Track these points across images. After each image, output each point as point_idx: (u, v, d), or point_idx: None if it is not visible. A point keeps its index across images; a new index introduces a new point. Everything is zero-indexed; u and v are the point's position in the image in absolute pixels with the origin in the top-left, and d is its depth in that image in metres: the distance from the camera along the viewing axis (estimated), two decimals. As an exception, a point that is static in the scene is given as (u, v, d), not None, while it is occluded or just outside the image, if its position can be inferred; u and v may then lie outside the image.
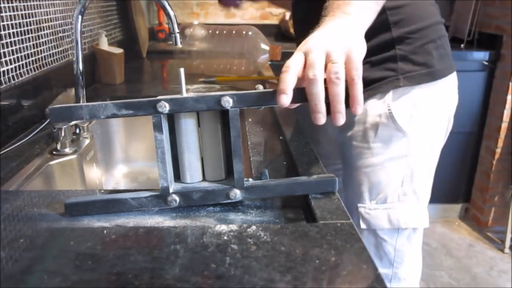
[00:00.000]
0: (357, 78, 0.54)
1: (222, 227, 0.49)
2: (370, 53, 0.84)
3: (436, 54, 0.89)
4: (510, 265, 2.07)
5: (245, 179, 0.55)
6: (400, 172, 0.91)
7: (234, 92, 0.52)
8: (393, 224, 0.92)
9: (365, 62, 0.83)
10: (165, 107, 0.51)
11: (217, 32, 1.52)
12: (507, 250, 2.17)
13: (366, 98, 0.87)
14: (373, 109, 0.89)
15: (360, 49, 0.58)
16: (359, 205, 0.94)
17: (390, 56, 0.87)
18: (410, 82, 0.87)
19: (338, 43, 0.56)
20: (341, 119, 0.54)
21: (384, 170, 0.91)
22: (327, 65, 0.54)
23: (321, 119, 0.53)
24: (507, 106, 2.15)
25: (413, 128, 0.89)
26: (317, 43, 0.56)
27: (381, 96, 0.88)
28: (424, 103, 0.89)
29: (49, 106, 0.99)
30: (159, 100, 0.51)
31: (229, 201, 0.55)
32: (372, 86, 0.88)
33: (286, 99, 0.52)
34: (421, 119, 0.89)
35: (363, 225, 0.94)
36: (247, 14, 2.57)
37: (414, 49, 0.87)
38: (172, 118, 0.55)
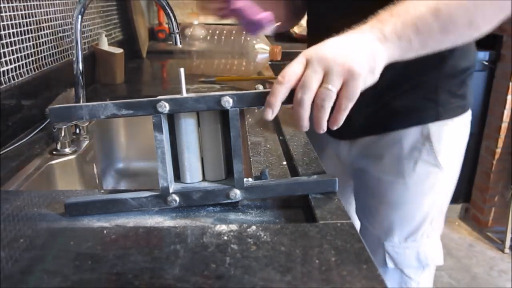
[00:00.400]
0: (344, 107, 0.52)
1: (222, 227, 0.49)
2: (409, 78, 0.78)
3: (470, 84, 0.85)
4: (510, 265, 2.07)
5: (245, 179, 0.55)
6: (433, 208, 0.86)
7: (234, 92, 0.52)
8: (422, 262, 0.87)
9: (405, 87, 0.80)
10: (165, 107, 0.51)
11: (217, 32, 1.52)
12: (507, 250, 2.17)
13: (402, 128, 0.82)
14: (411, 142, 0.82)
15: (365, 80, 0.53)
16: (386, 243, 0.87)
17: (432, 86, 0.80)
18: (449, 115, 0.82)
19: (344, 64, 0.51)
20: (320, 131, 0.53)
21: (419, 207, 0.85)
22: (320, 87, 0.51)
23: (304, 129, 0.54)
24: (507, 106, 2.15)
25: (448, 163, 0.84)
26: (321, 56, 0.51)
27: (420, 128, 0.81)
28: (457, 136, 0.85)
29: (49, 106, 0.99)
30: (159, 100, 0.51)
31: (229, 201, 0.55)
32: (411, 116, 0.81)
33: (271, 115, 0.52)
34: (454, 153, 0.85)
35: (390, 264, 0.87)
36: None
37: (458, 82, 0.82)
38: (172, 118, 0.55)
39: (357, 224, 0.96)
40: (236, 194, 0.55)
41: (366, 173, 0.89)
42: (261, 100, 0.53)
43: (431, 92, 0.80)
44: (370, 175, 0.88)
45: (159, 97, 0.52)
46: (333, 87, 0.51)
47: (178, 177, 0.57)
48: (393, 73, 0.67)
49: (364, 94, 0.67)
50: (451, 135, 0.83)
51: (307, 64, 0.52)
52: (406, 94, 0.81)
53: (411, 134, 0.82)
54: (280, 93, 0.51)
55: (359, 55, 0.52)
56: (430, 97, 0.80)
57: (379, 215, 0.88)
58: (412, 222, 0.86)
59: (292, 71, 0.52)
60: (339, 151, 0.93)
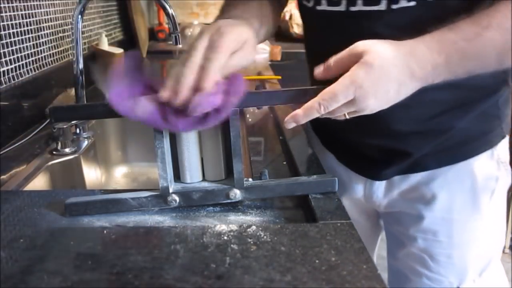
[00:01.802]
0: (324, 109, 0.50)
1: (222, 227, 0.49)
2: (474, 96, 0.67)
3: None
4: (510, 265, 2.07)
5: (245, 179, 0.55)
6: (500, 238, 0.78)
7: None
8: None
9: (470, 108, 0.68)
10: None
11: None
12: (507, 250, 2.17)
13: (474, 155, 0.70)
14: (485, 170, 0.71)
15: (378, 109, 0.52)
16: (461, 287, 0.76)
17: (494, 99, 0.70)
18: (507, 128, 0.72)
19: (372, 111, 0.51)
20: (289, 122, 0.52)
21: (495, 236, 0.76)
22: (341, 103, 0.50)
23: (290, 125, 0.53)
24: None
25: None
26: (366, 100, 0.50)
27: (490, 152, 0.71)
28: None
29: (49, 106, 0.99)
30: None
31: (229, 201, 0.55)
32: (481, 140, 0.70)
33: (291, 127, 0.52)
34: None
35: None
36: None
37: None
38: None
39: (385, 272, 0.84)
40: (236, 194, 0.55)
41: (414, 217, 0.75)
42: (261, 100, 0.53)
43: (494, 107, 0.70)
44: (425, 219, 0.73)
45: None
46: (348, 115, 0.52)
47: (178, 177, 0.57)
48: (457, 93, 0.64)
49: (425, 124, 0.64)
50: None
51: (351, 100, 0.50)
52: (473, 115, 0.68)
53: (483, 161, 0.70)
54: (313, 117, 0.51)
55: (393, 102, 0.52)
56: (495, 113, 0.70)
57: (449, 261, 0.75)
58: (487, 254, 0.76)
59: (335, 102, 0.50)
60: (370, 194, 0.78)
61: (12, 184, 0.69)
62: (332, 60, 0.52)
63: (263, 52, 1.52)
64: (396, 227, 0.80)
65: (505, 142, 0.72)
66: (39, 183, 0.76)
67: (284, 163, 0.71)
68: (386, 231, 0.87)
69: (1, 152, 0.79)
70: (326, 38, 0.68)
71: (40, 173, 0.77)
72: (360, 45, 0.50)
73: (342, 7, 0.62)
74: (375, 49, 0.50)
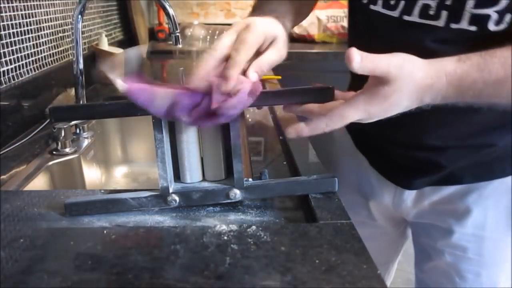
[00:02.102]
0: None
1: (222, 227, 0.49)
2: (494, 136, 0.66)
3: None
4: (510, 265, 2.07)
5: (245, 179, 0.55)
6: None
7: None
8: None
9: (509, 130, 0.66)
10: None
11: (217, 32, 1.52)
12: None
13: (511, 173, 0.68)
14: None
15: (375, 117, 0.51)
16: None
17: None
18: None
19: (379, 112, 0.50)
20: (292, 134, 0.51)
21: None
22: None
23: (292, 136, 0.52)
24: None
25: None
26: (372, 119, 0.50)
27: None
28: None
29: (49, 106, 0.99)
30: None
31: (229, 201, 0.55)
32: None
33: (292, 137, 0.51)
34: None
35: None
36: (247, 14, 2.56)
37: None
38: (173, 122, 0.55)
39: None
40: (236, 194, 0.55)
41: (443, 231, 0.73)
42: (261, 100, 0.53)
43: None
44: (455, 234, 0.72)
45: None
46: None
47: (178, 177, 0.57)
48: (503, 115, 0.62)
49: (465, 141, 0.61)
50: None
51: (361, 119, 0.50)
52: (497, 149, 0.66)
53: None
54: (319, 132, 0.50)
55: (409, 99, 0.50)
56: None
57: (477, 279, 0.73)
58: None
59: (342, 124, 0.50)
60: (399, 202, 0.76)
61: (12, 184, 0.69)
62: (375, 64, 0.48)
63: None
64: (423, 239, 0.79)
65: None
66: (39, 183, 0.76)
67: (284, 163, 0.71)
68: (413, 241, 0.84)
69: (1, 152, 0.79)
70: (370, 39, 0.65)
71: (40, 173, 0.77)
72: (395, 69, 0.47)
73: (395, 13, 0.60)
74: (399, 81, 0.48)
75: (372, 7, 0.63)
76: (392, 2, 0.61)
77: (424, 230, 0.77)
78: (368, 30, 0.67)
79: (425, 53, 0.50)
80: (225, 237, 0.47)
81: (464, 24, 0.55)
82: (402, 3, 0.59)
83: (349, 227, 0.49)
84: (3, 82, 0.88)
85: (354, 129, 0.81)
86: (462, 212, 0.70)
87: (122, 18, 1.79)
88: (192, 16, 2.54)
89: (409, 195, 0.74)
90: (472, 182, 0.68)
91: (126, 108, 0.52)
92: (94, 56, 1.36)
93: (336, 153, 0.89)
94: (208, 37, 2.11)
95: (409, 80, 0.48)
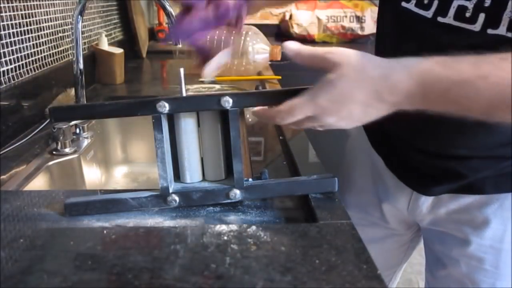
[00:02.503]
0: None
1: (222, 227, 0.49)
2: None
3: None
4: (510, 265, 2.07)
5: (245, 179, 0.55)
6: None
7: (234, 92, 0.52)
8: None
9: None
10: (164, 107, 0.51)
11: (217, 32, 1.52)
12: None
13: None
14: None
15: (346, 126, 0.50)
16: None
17: None
18: None
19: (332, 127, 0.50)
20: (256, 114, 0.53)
21: None
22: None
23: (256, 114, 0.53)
24: None
25: None
26: (326, 120, 0.49)
27: None
28: None
29: (49, 106, 0.99)
30: (159, 100, 0.51)
31: (229, 201, 0.55)
32: None
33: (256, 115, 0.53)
34: None
35: None
36: (247, 14, 2.56)
37: None
38: (172, 118, 0.55)
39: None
40: (236, 194, 0.55)
41: (459, 241, 0.71)
42: (261, 100, 0.53)
43: None
44: (472, 244, 0.69)
45: (159, 96, 0.52)
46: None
47: (178, 176, 0.57)
48: None
49: (489, 151, 0.59)
50: None
51: (308, 117, 0.49)
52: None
53: None
54: (274, 123, 0.52)
55: (362, 122, 0.50)
56: None
57: None
58: None
59: (292, 116, 0.49)
60: (414, 207, 0.74)
61: (12, 184, 0.69)
62: (308, 52, 0.50)
63: (263, 52, 1.52)
64: (438, 246, 0.76)
65: None
66: (39, 183, 0.76)
67: (284, 163, 0.71)
68: (426, 246, 0.82)
69: (1, 152, 0.79)
70: (399, 40, 0.64)
71: (40, 173, 0.77)
72: (336, 55, 0.47)
73: (429, 14, 0.57)
74: (344, 67, 0.47)
75: (404, 4, 0.61)
76: (425, 1, 0.58)
77: (439, 237, 0.75)
78: (398, 30, 0.65)
79: None
80: (225, 237, 0.47)
81: (502, 30, 0.51)
82: (436, 3, 0.57)
83: (349, 227, 0.49)
84: (3, 82, 0.87)
85: (371, 127, 0.77)
86: (481, 223, 0.68)
87: (122, 18, 1.79)
88: (192, 16, 2.54)
89: (426, 201, 0.72)
90: (493, 193, 0.66)
91: (126, 108, 0.52)
92: (94, 56, 1.36)
93: (350, 151, 0.87)
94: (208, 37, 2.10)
95: (357, 67, 0.47)
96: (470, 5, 0.54)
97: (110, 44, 1.43)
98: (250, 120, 0.94)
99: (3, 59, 0.88)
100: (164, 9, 0.92)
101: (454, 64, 0.45)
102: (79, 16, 0.89)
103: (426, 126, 0.50)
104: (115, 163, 1.16)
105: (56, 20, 1.13)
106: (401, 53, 0.47)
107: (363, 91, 0.47)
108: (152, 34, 2.16)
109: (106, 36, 1.38)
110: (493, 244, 0.68)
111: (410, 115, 0.48)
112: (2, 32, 0.88)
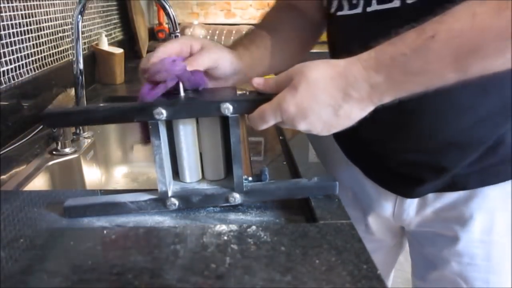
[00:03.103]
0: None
1: (222, 227, 0.49)
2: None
3: None
4: (510, 265, 2.06)
5: (245, 177, 0.54)
6: None
7: (234, 98, 0.51)
8: None
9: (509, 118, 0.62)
10: (162, 114, 0.50)
11: (217, 32, 1.52)
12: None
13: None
14: None
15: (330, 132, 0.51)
16: None
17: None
18: None
19: (308, 130, 0.50)
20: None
21: None
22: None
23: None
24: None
25: None
26: (294, 119, 0.49)
27: None
28: None
29: (45, 110, 0.99)
30: (156, 106, 0.50)
31: (228, 204, 0.55)
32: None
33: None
34: None
35: None
36: (247, 14, 2.56)
37: None
38: (170, 121, 0.54)
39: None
40: (236, 198, 0.54)
41: (448, 239, 0.71)
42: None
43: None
44: (461, 241, 0.69)
45: (156, 101, 0.51)
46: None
47: (177, 173, 0.57)
48: (497, 97, 0.58)
49: (464, 134, 0.58)
50: None
51: (281, 122, 0.50)
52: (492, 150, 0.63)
53: None
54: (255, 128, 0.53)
55: (331, 130, 0.50)
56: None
57: (485, 286, 0.71)
58: None
59: (264, 122, 0.51)
60: (400, 212, 0.73)
61: (12, 184, 0.69)
62: (273, 78, 0.52)
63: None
64: (427, 248, 0.76)
65: None
66: (39, 183, 0.76)
67: (284, 163, 0.71)
68: (412, 250, 0.81)
69: (1, 152, 0.79)
70: (348, 42, 0.65)
71: (40, 173, 0.77)
72: (295, 68, 0.50)
73: (359, 9, 0.61)
74: (304, 73, 0.48)
75: (339, 13, 0.64)
76: (354, 1, 0.62)
77: (428, 239, 0.74)
78: (343, 38, 0.67)
79: None
80: (225, 237, 0.47)
81: None
82: None
83: (349, 227, 0.49)
84: (3, 82, 0.88)
85: (342, 137, 0.78)
86: (468, 218, 0.68)
87: (122, 18, 1.79)
88: (192, 16, 2.54)
89: (411, 204, 0.71)
90: (477, 187, 0.66)
91: (122, 113, 0.51)
92: (94, 56, 1.36)
93: (329, 166, 0.85)
94: (208, 37, 2.10)
95: (317, 71, 0.48)
96: None
97: (110, 44, 1.43)
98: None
99: (3, 59, 0.88)
100: (164, 9, 0.92)
101: (400, 40, 0.46)
102: (79, 16, 0.89)
103: (399, 123, 0.50)
104: (115, 163, 1.16)
105: (56, 20, 1.13)
106: (353, 52, 0.49)
107: (325, 92, 0.47)
108: (152, 34, 2.16)
109: (106, 36, 1.38)
110: (483, 238, 0.68)
111: (381, 117, 0.49)
112: (2, 32, 0.88)
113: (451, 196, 0.68)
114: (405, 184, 0.69)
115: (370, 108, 0.49)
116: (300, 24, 0.74)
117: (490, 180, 0.65)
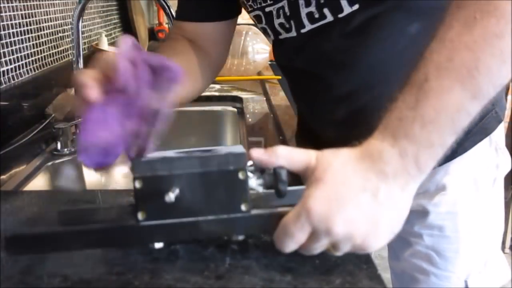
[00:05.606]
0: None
1: (222, 227, 0.49)
2: None
3: None
4: (510, 265, 2.07)
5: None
6: (500, 224, 0.76)
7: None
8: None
9: None
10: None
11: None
12: (507, 250, 2.17)
13: (471, 147, 0.68)
14: (485, 159, 0.69)
15: (383, 240, 0.42)
16: (469, 280, 0.73)
17: None
18: (502, 112, 0.69)
19: (361, 246, 0.40)
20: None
21: (497, 223, 0.74)
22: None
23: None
24: (507, 106, 2.15)
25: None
26: (329, 228, 0.39)
27: (489, 140, 0.68)
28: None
29: (46, 107, 0.99)
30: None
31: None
32: (480, 128, 0.66)
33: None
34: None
35: None
36: (247, 14, 2.56)
37: None
38: None
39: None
40: None
41: (419, 214, 0.71)
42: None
43: None
44: (430, 214, 0.71)
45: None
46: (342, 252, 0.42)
47: None
48: None
49: None
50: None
51: (313, 233, 0.40)
52: None
53: (482, 150, 0.68)
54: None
55: (379, 227, 0.41)
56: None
57: (456, 256, 0.72)
58: (490, 243, 0.74)
59: (290, 238, 0.41)
60: None
61: (12, 184, 0.69)
62: (286, 152, 0.43)
63: (263, 52, 1.52)
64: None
65: (501, 127, 0.70)
66: (39, 183, 0.76)
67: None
68: None
69: (1, 152, 0.79)
70: (290, 62, 0.68)
71: (40, 173, 0.77)
72: (310, 157, 0.42)
73: (293, 33, 0.62)
74: (326, 160, 0.42)
75: (281, 36, 0.66)
76: (287, 26, 0.63)
77: None
78: (286, 59, 0.70)
79: (339, 52, 0.54)
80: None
81: (347, 9, 0.56)
82: (292, 22, 0.62)
83: (349, 227, 0.49)
84: (3, 82, 0.88)
85: (306, 130, 0.77)
86: (434, 192, 0.70)
87: (122, 18, 1.79)
88: (192, 16, 2.54)
89: None
90: (442, 164, 0.66)
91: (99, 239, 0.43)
92: (94, 56, 1.36)
93: None
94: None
95: (335, 155, 0.42)
96: (313, 8, 0.58)
97: (110, 44, 1.43)
98: (250, 120, 0.94)
99: (3, 59, 0.88)
100: (164, 9, 0.92)
101: (396, 101, 0.42)
102: (79, 16, 0.89)
103: (355, 122, 0.51)
104: (115, 163, 1.16)
105: (56, 20, 1.13)
106: (299, 71, 0.49)
107: (357, 174, 0.40)
108: (152, 34, 2.16)
109: (106, 36, 1.38)
110: (449, 209, 0.70)
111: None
112: (2, 32, 0.88)
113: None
114: None
115: (410, 186, 0.42)
116: (199, 60, 0.74)
117: (451, 155, 0.67)
